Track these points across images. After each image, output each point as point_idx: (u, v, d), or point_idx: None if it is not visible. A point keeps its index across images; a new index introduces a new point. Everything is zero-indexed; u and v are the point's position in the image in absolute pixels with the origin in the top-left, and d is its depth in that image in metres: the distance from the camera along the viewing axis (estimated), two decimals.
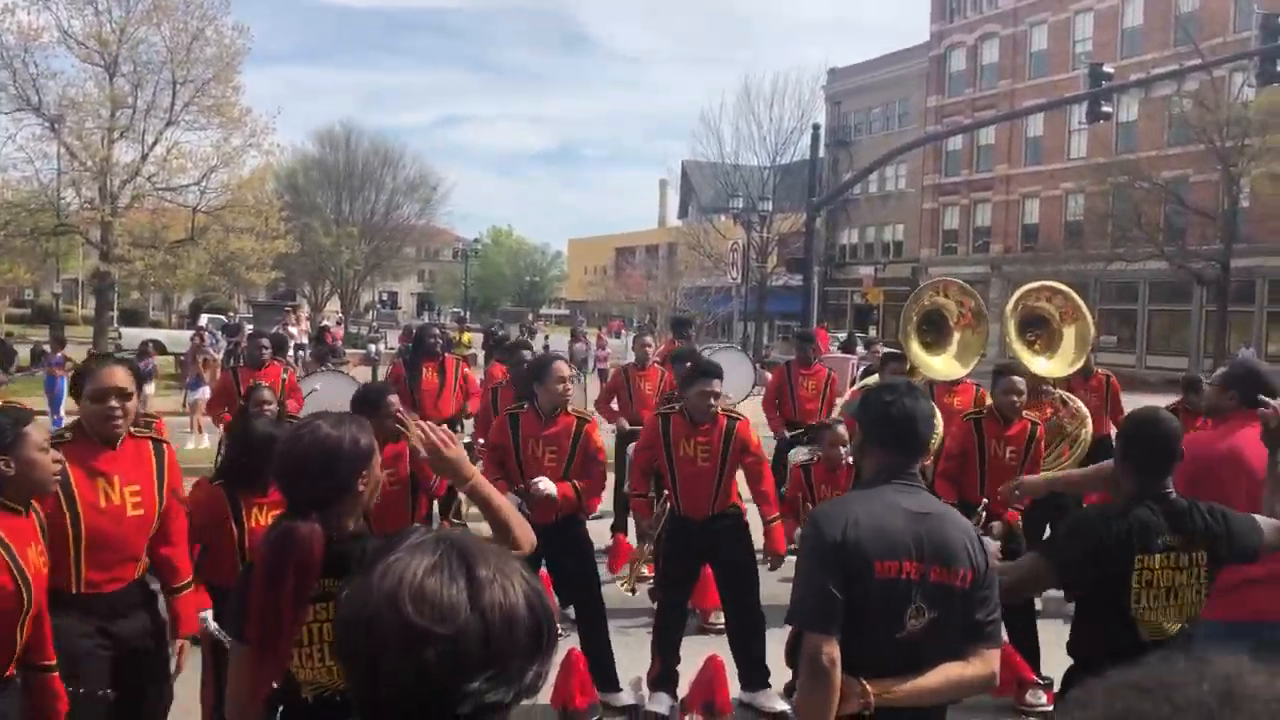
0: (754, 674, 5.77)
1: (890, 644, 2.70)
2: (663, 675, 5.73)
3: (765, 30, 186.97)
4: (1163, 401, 6.56)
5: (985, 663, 2.80)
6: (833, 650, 2.65)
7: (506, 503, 2.79)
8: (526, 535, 2.73)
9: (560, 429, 5.70)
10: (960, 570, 2.74)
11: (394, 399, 5.17)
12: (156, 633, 3.94)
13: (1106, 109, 20.22)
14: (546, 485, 5.52)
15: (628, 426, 8.91)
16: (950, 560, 2.73)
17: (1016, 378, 6.45)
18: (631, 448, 8.57)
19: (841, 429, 6.18)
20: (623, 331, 43.76)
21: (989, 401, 6.82)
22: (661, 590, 6.04)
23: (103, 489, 3.63)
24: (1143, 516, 3.22)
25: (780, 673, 5.70)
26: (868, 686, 2.67)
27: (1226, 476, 4.21)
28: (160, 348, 26.99)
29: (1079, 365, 7.72)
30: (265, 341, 9.20)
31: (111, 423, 3.65)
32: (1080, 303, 7.84)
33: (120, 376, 3.70)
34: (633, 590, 6.21)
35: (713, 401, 5.78)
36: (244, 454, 4.26)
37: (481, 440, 7.30)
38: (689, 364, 6.51)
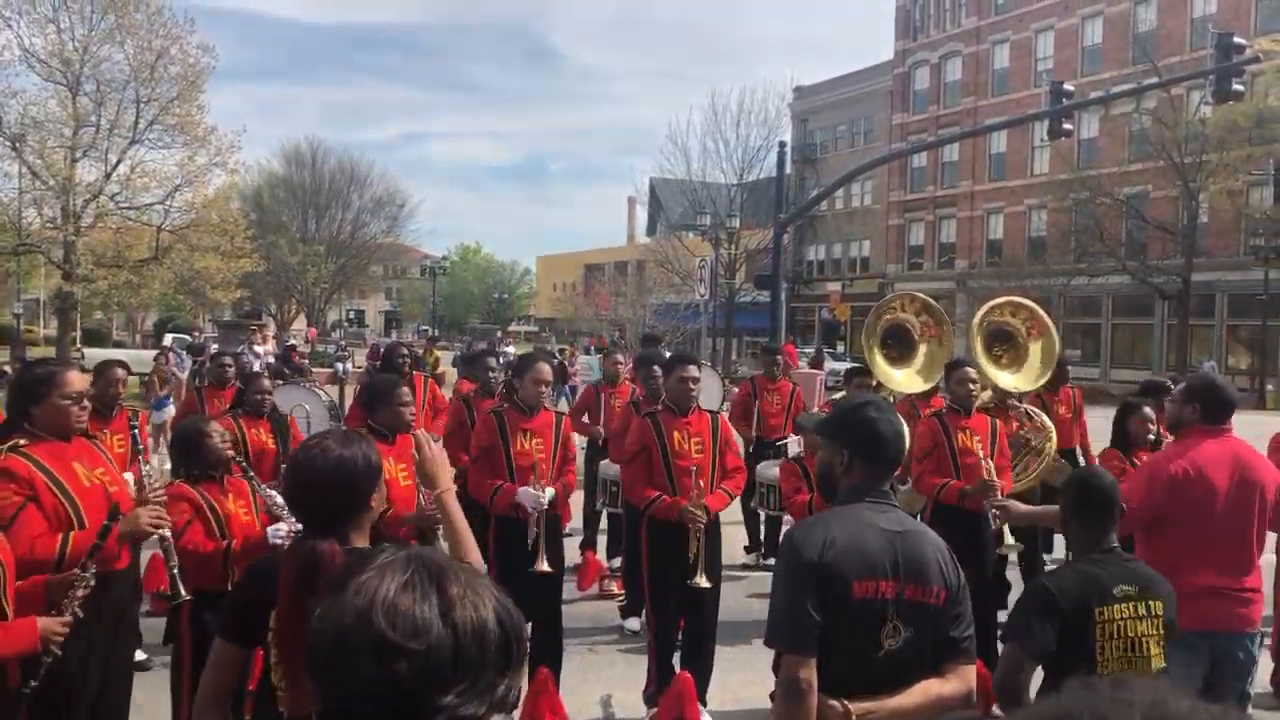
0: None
1: (867, 663, 2.71)
2: (659, 690, 5.67)
3: (731, 47, 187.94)
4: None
5: (962, 679, 2.81)
6: (810, 672, 2.65)
7: (465, 525, 2.86)
8: (476, 559, 2.84)
9: (541, 423, 5.86)
10: (934, 588, 2.75)
11: (406, 390, 5.42)
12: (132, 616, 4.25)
13: (1067, 126, 20.48)
14: (549, 494, 5.68)
15: (604, 435, 8.86)
16: (925, 578, 2.75)
17: (969, 369, 6.69)
18: (603, 464, 8.55)
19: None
20: (594, 347, 43.63)
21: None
22: (652, 603, 5.94)
23: (81, 474, 3.88)
24: (1093, 571, 3.29)
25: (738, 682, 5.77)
26: (850, 707, 2.67)
27: (1198, 494, 4.23)
28: (125, 368, 26.66)
29: (1044, 380, 7.80)
30: (228, 360, 9.19)
31: (80, 420, 3.95)
32: (1046, 318, 7.93)
33: (83, 380, 4.01)
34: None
35: (692, 387, 5.87)
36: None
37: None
38: (668, 359, 6.56)
